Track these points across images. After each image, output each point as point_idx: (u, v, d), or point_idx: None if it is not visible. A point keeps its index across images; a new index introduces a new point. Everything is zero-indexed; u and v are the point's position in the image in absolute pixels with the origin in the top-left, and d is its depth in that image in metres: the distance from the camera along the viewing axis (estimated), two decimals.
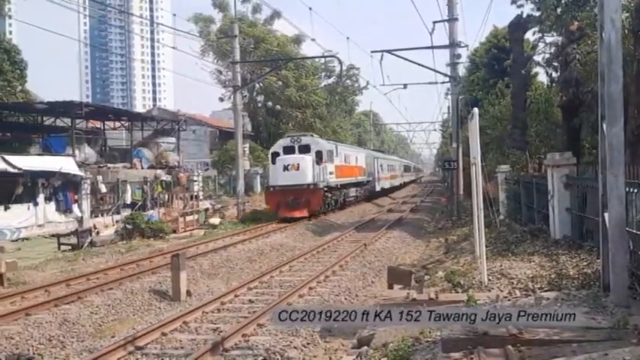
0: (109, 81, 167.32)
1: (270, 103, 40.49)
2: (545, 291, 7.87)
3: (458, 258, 12.98)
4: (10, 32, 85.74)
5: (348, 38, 33.91)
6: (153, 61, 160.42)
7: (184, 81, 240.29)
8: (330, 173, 27.32)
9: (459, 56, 24.14)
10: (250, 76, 35.83)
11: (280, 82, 38.99)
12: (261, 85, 39.73)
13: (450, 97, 30.70)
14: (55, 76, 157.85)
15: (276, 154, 26.96)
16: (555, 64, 18.97)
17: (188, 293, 11.95)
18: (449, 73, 24.92)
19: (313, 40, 29.29)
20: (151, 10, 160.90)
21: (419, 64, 24.06)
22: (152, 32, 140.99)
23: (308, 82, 40.10)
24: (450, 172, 30.03)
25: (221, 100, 39.89)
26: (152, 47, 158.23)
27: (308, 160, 25.64)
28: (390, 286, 10.49)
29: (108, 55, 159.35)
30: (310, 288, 11.88)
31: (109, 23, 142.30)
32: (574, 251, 10.06)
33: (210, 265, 14.96)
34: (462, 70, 30.31)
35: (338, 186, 29.17)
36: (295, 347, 8.13)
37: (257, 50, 38.00)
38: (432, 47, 24.38)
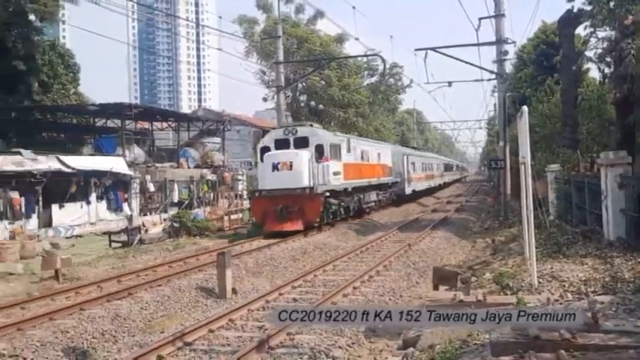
0: (157, 83, 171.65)
1: (312, 103, 40.62)
2: (599, 295, 7.61)
3: (506, 259, 12.70)
4: (64, 37, 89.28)
5: (391, 37, 33.75)
6: (198, 63, 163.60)
7: (229, 82, 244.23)
8: (336, 174, 21.90)
9: (505, 53, 23.60)
10: (293, 76, 36.05)
11: (323, 82, 39.04)
12: (304, 84, 39.90)
13: (496, 94, 30.09)
14: (105, 78, 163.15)
15: (265, 150, 21.74)
16: (608, 59, 18.28)
17: (234, 291, 12.11)
18: (495, 71, 24.41)
19: (357, 39, 29.19)
20: (197, 12, 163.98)
21: (464, 62, 23.68)
22: (197, 34, 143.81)
23: (351, 81, 40.01)
24: (497, 172, 29.44)
25: (264, 100, 40.29)
26: (197, 49, 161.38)
27: (304, 156, 20.44)
28: (436, 287, 10.36)
29: (155, 58, 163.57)
30: (354, 288, 11.85)
31: (156, 26, 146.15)
32: (629, 254, 9.70)
33: (255, 263, 15.13)
34: (508, 67, 29.64)
35: (348, 189, 23.48)
36: (340, 347, 8.12)
37: (300, 50, 38.19)
38: (478, 44, 23.91)
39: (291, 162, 20.31)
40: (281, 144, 21.55)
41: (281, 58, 27.73)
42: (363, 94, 41.34)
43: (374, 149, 28.99)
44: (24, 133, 28.56)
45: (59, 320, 9.63)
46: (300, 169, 20.21)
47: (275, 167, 20.36)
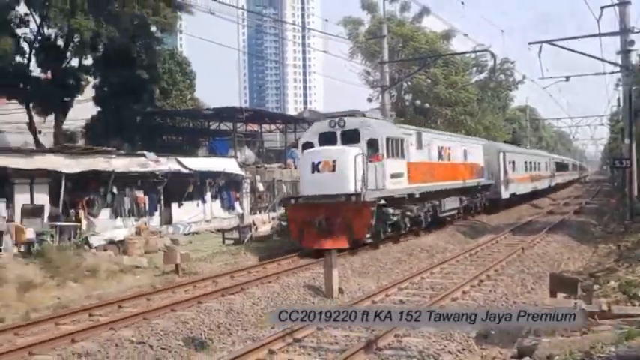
0: (265, 86, 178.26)
1: (418, 102, 39.97)
2: None
3: (633, 267, 11.68)
4: (181, 46, 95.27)
5: (502, 31, 32.29)
6: (304, 65, 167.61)
7: (333, 83, 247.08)
8: (395, 176, 17.66)
9: (631, 43, 21.72)
10: (398, 75, 35.71)
11: (429, 80, 38.33)
12: (409, 83, 39.40)
13: (620, 88, 27.81)
14: (217, 83, 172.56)
15: (307, 146, 17.76)
16: None
17: (340, 290, 12.23)
18: (619, 62, 22.55)
19: (465, 35, 28.23)
20: (302, 16, 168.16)
21: (583, 54, 22.11)
22: (303, 38, 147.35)
23: (458, 79, 38.88)
24: (621, 171, 27.21)
25: (369, 100, 40.25)
26: (303, 52, 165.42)
27: (350, 154, 16.23)
28: (553, 294, 9.77)
29: (263, 62, 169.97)
30: (464, 292, 11.51)
31: (264, 32, 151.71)
32: None
33: (361, 263, 15.17)
34: (635, 58, 27.24)
35: (415, 196, 18.93)
36: (450, 352, 7.92)
37: (405, 49, 37.75)
38: (599, 35, 22.19)
39: (334, 161, 16.23)
40: (326, 139, 17.49)
41: (386, 57, 27.57)
42: (471, 92, 40.02)
43: (458, 146, 24.63)
44: (147, 136, 30.91)
45: (179, 311, 10.29)
46: (345, 171, 16.06)
47: (315, 168, 16.44)
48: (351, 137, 17.11)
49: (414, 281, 12.98)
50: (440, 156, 22.07)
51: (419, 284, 12.78)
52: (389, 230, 17.63)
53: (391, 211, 17.23)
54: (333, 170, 16.14)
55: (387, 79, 27.89)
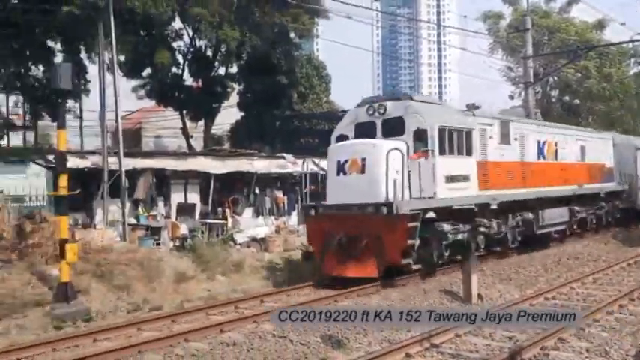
0: (398, 86, 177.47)
1: (566, 98, 37.27)
2: None
3: None
4: (317, 50, 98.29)
5: None
6: (439, 64, 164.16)
7: (470, 81, 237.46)
8: (454, 179, 13.34)
9: None
10: (543, 70, 33.49)
11: (579, 74, 35.49)
12: (556, 78, 36.83)
13: None
14: (351, 85, 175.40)
15: (341, 140, 14.02)
16: None
17: (479, 297, 11.73)
18: None
19: (622, 24, 25.66)
20: (438, 14, 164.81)
21: None
22: (438, 35, 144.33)
23: (613, 71, 35.51)
24: None
25: (511, 97, 38.16)
26: (438, 50, 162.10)
27: (381, 149, 12.26)
28: None
29: (397, 62, 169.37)
30: (621, 305, 10.42)
31: (398, 32, 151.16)
32: None
33: (502, 270, 14.46)
34: None
35: (490, 207, 14.33)
36: None
37: (551, 42, 35.37)
38: None
39: (363, 159, 12.49)
40: (364, 130, 13.70)
41: (530, 52, 25.95)
42: (628, 85, 36.35)
43: (570, 140, 19.50)
44: (286, 139, 32.28)
45: (317, 310, 10.55)
46: (375, 172, 12.25)
47: (340, 169, 12.89)
48: (393, 127, 13.28)
49: (562, 291, 12.04)
50: (540, 153, 17.35)
51: (568, 294, 11.84)
52: (446, 253, 13.30)
53: (447, 227, 13.00)
54: (362, 171, 12.53)
55: (530, 75, 26.24)
